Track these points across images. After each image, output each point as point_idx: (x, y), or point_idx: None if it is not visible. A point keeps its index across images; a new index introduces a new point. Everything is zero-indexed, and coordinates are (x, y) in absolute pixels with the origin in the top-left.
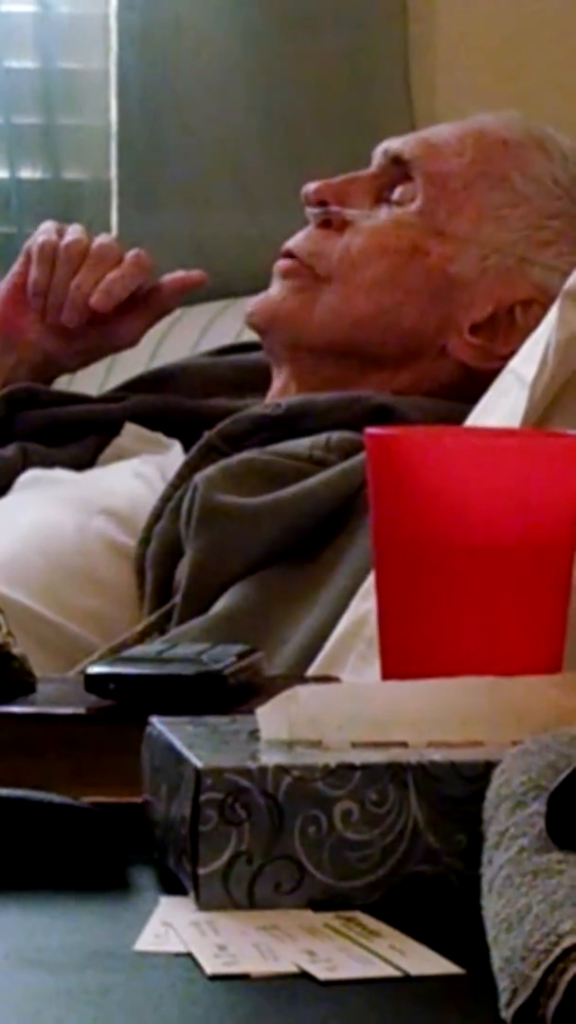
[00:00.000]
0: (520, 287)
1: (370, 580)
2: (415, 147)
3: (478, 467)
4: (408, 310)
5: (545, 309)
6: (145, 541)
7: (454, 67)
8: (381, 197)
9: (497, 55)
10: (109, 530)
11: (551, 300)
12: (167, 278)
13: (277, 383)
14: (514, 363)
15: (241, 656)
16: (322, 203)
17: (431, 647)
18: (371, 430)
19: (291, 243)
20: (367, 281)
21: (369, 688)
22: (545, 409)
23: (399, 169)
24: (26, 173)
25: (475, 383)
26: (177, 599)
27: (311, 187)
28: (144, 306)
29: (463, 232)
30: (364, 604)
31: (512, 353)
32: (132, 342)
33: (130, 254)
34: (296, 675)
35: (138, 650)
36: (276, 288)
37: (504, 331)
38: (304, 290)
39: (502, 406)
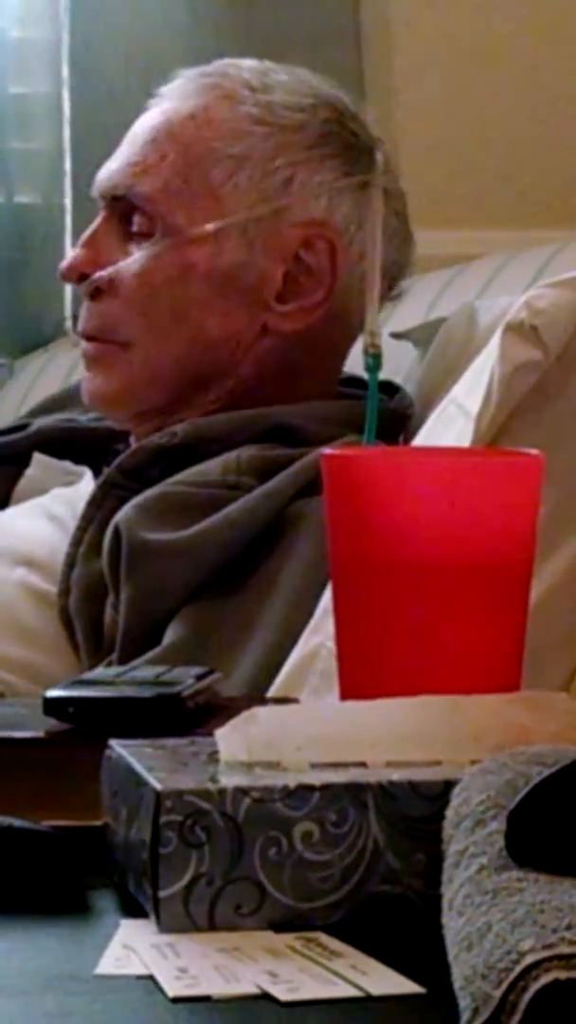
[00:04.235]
0: (290, 235)
1: (320, 612)
2: (121, 176)
3: (435, 487)
4: (212, 323)
5: (324, 237)
6: (65, 592)
7: (408, 107)
8: (127, 236)
9: (456, 102)
10: (31, 580)
11: (323, 224)
12: None
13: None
14: (456, 394)
15: (199, 678)
16: (83, 276)
17: (389, 667)
18: (327, 451)
19: (82, 327)
20: (161, 323)
21: (327, 709)
22: (490, 440)
23: (123, 204)
24: None
25: (312, 341)
26: (115, 654)
27: (62, 268)
28: None
29: (210, 225)
30: (315, 638)
31: (326, 295)
32: None
33: None
34: (255, 696)
35: (96, 673)
36: (92, 372)
37: (304, 281)
38: (116, 364)
39: (447, 437)
